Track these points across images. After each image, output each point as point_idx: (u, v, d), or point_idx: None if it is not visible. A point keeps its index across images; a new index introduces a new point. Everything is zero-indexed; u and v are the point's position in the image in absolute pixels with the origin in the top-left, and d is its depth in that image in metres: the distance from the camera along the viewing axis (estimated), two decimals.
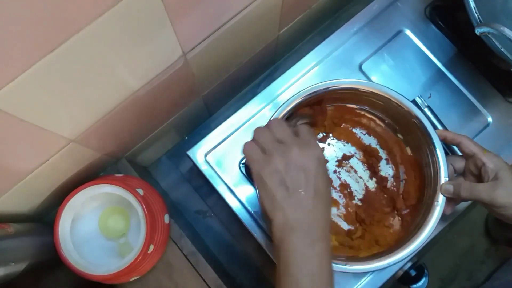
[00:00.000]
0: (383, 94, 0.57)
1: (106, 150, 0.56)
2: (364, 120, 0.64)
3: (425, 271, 0.61)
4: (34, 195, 0.51)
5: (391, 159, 0.63)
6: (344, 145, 0.64)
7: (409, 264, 0.60)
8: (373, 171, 0.63)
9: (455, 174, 0.56)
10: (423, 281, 0.60)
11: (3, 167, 0.41)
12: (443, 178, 0.54)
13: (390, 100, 0.57)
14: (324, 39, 0.67)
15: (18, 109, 0.35)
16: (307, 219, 0.41)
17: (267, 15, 0.57)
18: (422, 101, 0.59)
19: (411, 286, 0.60)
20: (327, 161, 0.43)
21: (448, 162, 0.54)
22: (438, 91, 0.66)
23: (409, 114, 0.57)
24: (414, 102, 0.58)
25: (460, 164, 0.55)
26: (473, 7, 0.55)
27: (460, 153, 0.55)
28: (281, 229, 0.41)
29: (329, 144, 0.64)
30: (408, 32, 0.68)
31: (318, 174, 0.42)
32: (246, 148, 0.44)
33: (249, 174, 0.63)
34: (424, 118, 0.56)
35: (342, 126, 0.64)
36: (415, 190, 0.60)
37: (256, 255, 0.74)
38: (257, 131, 0.45)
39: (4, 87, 0.31)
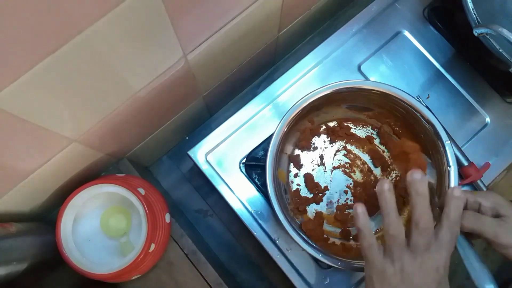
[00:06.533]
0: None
1: (107, 150, 0.56)
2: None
3: None
4: (36, 194, 0.51)
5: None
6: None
7: None
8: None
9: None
10: None
11: (5, 167, 0.41)
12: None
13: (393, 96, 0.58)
14: (323, 40, 0.67)
15: (21, 109, 0.35)
16: None
17: (267, 16, 0.57)
18: (420, 101, 0.59)
19: None
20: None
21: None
22: (436, 91, 0.67)
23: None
24: None
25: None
26: (471, 8, 0.55)
27: None
28: None
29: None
30: (406, 33, 0.68)
31: None
32: (366, 245, 0.41)
33: (249, 174, 0.63)
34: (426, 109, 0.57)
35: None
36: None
37: (256, 254, 0.74)
38: (391, 219, 0.40)
39: (7, 87, 0.31)
